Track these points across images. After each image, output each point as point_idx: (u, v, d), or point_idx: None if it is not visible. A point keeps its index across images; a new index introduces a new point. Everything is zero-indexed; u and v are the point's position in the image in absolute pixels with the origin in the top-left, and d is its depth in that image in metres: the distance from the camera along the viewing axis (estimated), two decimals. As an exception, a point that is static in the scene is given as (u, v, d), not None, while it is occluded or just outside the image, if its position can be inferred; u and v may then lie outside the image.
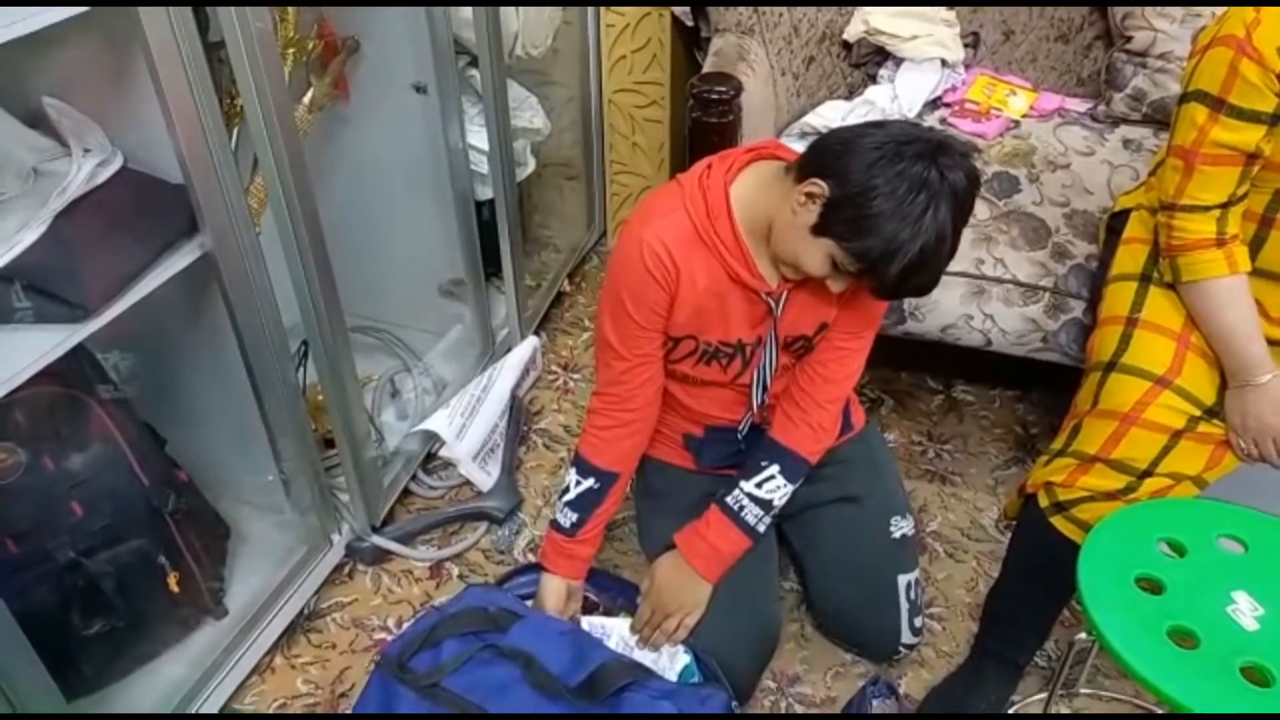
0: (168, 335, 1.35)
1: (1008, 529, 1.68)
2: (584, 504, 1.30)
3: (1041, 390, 2.01)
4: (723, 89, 1.57)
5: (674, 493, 1.41)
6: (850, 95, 2.00)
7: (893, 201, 1.00)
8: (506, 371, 1.89)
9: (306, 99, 1.58)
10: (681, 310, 1.19)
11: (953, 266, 1.55)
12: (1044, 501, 1.31)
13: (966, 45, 1.99)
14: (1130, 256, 1.36)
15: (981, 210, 1.66)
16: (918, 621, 1.42)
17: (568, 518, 1.32)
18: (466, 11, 1.62)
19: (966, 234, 1.58)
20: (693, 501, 1.37)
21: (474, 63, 1.71)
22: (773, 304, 1.20)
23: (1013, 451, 1.90)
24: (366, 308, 2.09)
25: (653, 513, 1.44)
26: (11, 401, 1.15)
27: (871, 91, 1.93)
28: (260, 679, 1.47)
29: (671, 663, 1.32)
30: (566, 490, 1.32)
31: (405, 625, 1.55)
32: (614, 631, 1.35)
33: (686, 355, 1.26)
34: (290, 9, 1.55)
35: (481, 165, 1.81)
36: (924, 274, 1.06)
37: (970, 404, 2.02)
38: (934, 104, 1.95)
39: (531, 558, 1.68)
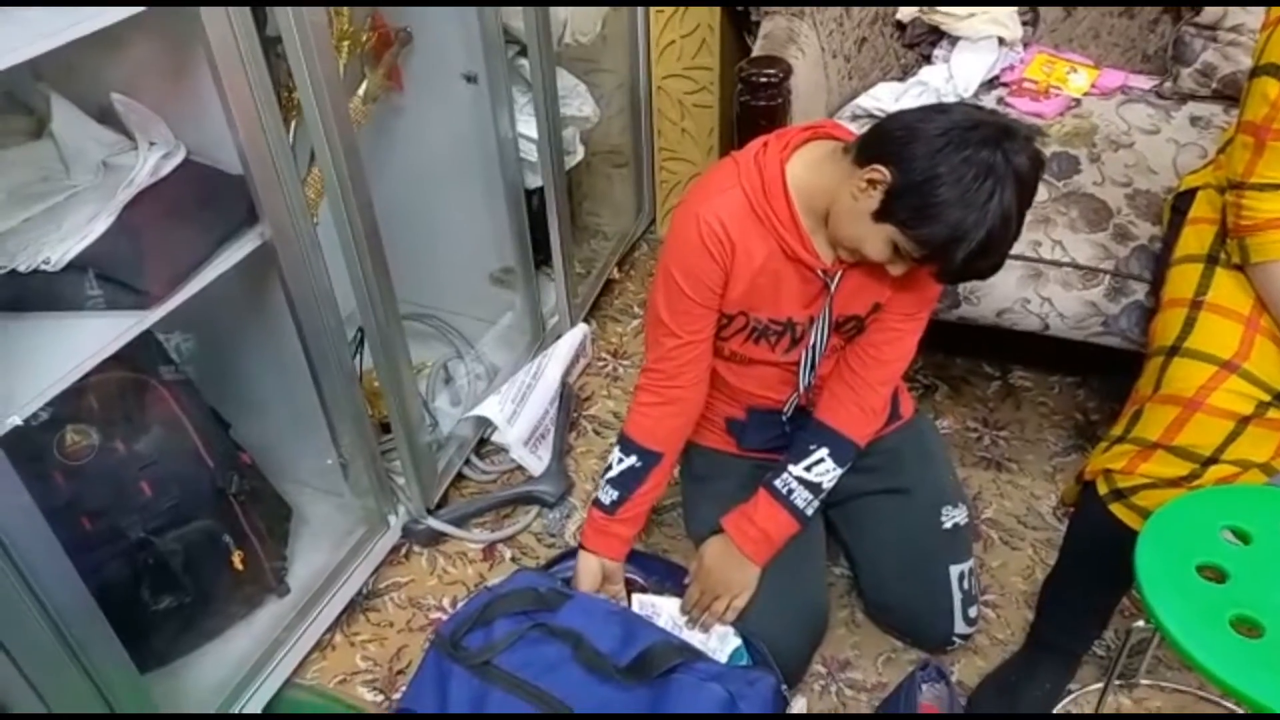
0: (230, 322, 1.40)
1: (1065, 516, 1.65)
2: (625, 482, 1.30)
3: (1102, 376, 1.96)
4: (771, 72, 1.56)
5: (718, 477, 1.41)
6: (904, 76, 1.97)
7: (958, 188, 0.99)
8: (556, 358, 1.91)
9: (361, 91, 1.61)
10: (736, 287, 1.19)
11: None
12: (1103, 489, 1.28)
13: (1025, 23, 1.95)
14: (1196, 237, 1.32)
15: (1040, 192, 1.61)
16: (972, 611, 1.40)
17: (608, 495, 1.32)
18: (517, 0, 1.63)
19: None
20: (737, 486, 1.37)
21: (523, 52, 1.72)
22: (828, 282, 1.19)
23: (1072, 438, 1.86)
24: (420, 295, 2.14)
25: (698, 497, 1.45)
26: (84, 386, 1.20)
27: (925, 72, 1.90)
28: (321, 655, 1.51)
29: (721, 645, 1.33)
30: (609, 468, 1.32)
31: (459, 604, 1.58)
32: (664, 610, 1.36)
33: (737, 332, 1.26)
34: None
35: (531, 154, 1.82)
36: (988, 258, 1.05)
37: (1028, 390, 1.98)
38: (990, 84, 1.91)
39: (582, 541, 1.70)
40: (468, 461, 1.82)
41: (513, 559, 1.68)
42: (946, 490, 1.42)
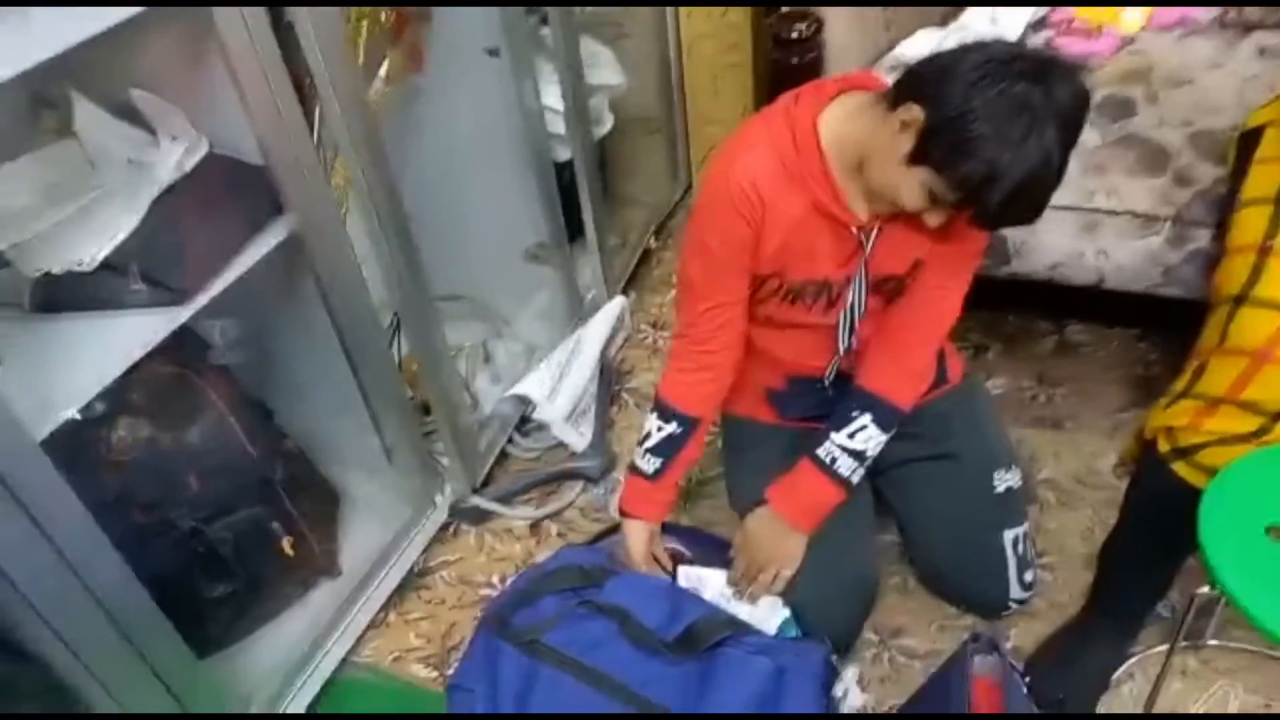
0: (267, 310, 1.40)
1: (1126, 475, 1.58)
2: (668, 449, 1.28)
3: (1163, 328, 1.87)
4: (802, 26, 1.51)
5: (760, 447, 1.39)
6: (945, 23, 1.89)
7: (993, 124, 0.94)
8: (594, 333, 1.89)
9: (383, 72, 1.59)
10: (768, 247, 1.15)
11: (1060, 199, 1.45)
12: (1164, 447, 1.23)
13: (1072, -43, 1.84)
14: (1265, 177, 1.24)
15: (1091, 137, 1.54)
16: (1028, 576, 1.36)
17: (651, 464, 1.30)
18: (535, -32, 1.59)
19: (1074, 164, 1.48)
20: (781, 455, 1.34)
21: (545, 20, 1.68)
22: (862, 239, 1.15)
23: (1132, 393, 1.78)
24: (455, 277, 2.12)
25: (740, 470, 1.42)
26: (129, 381, 1.22)
27: (968, 14, 1.81)
28: (376, 633, 1.54)
29: (770, 616, 1.31)
30: (648, 436, 1.29)
31: (508, 581, 1.59)
32: (710, 584, 1.35)
33: (772, 294, 1.23)
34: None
35: (558, 126, 1.79)
36: (1028, 201, 0.99)
37: (1085, 345, 1.91)
38: (1038, 25, 1.81)
39: (628, 515, 1.69)
40: (510, 439, 1.83)
41: (559, 535, 1.68)
42: (997, 453, 1.37)
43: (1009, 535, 1.34)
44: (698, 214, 1.19)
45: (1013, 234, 1.52)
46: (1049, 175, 0.97)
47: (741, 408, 1.40)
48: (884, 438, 1.27)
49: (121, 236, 1.11)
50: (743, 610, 1.31)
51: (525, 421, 1.87)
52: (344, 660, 1.47)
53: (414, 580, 1.61)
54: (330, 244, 1.25)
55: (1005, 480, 1.35)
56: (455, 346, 1.96)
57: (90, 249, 1.11)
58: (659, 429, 1.29)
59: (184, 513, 1.22)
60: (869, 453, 1.27)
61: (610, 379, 1.94)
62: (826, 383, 1.32)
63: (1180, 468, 1.20)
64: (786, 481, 1.30)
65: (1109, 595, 1.38)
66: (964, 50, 1.00)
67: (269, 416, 1.46)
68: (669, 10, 2.15)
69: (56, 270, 1.09)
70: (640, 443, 1.32)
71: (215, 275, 1.13)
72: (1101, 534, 1.52)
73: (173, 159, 1.16)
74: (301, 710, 1.38)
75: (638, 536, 1.33)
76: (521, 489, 1.74)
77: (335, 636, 1.46)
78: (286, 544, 1.34)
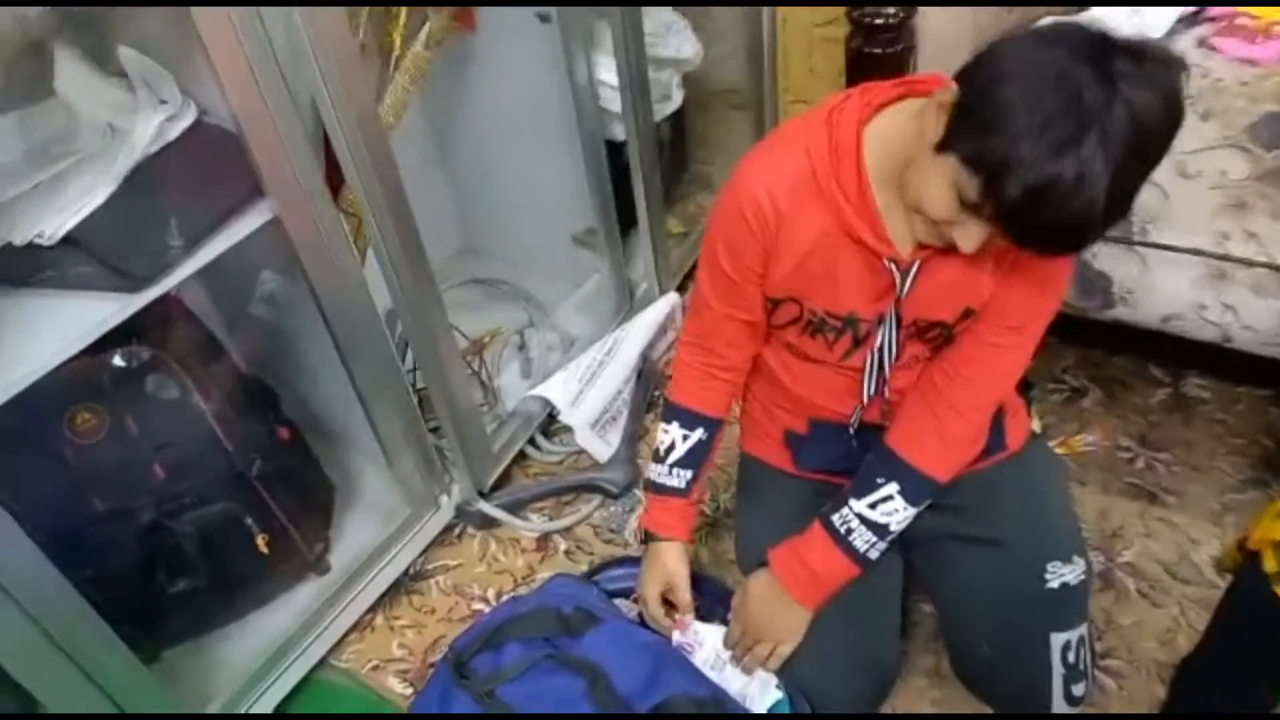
0: (263, 287, 1.31)
1: (1227, 576, 1.33)
2: (695, 458, 1.16)
3: (1306, 393, 1.58)
4: (890, 12, 1.28)
5: (772, 496, 1.22)
6: (1078, 11, 1.60)
7: (1029, 100, 0.74)
8: (636, 333, 1.74)
9: (423, 34, 1.46)
10: (779, 267, 0.99)
11: (1185, 241, 1.22)
12: (1272, 565, 0.99)
13: (1248, -62, 1.52)
14: None
15: (1235, 165, 1.27)
16: (1078, 689, 1.14)
17: (681, 478, 1.16)
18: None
19: (1207, 198, 1.23)
20: (798, 509, 1.16)
21: (604, -15, 1.51)
22: (897, 275, 0.96)
23: (1253, 470, 1.51)
24: (498, 252, 2.02)
25: (750, 517, 1.25)
26: (99, 364, 1.16)
27: (1103, 8, 1.53)
28: (360, 636, 1.46)
29: (762, 694, 1.15)
30: (671, 448, 1.15)
31: (502, 599, 1.49)
32: (707, 641, 1.20)
33: (790, 322, 1.05)
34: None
35: (615, 103, 1.62)
36: (1056, 215, 0.77)
37: (1203, 403, 1.63)
38: (1191, 20, 1.51)
39: (643, 540, 1.55)
40: (533, 440, 1.70)
41: (566, 553, 1.56)
42: (1056, 543, 1.13)
43: (1058, 640, 1.12)
44: (713, 215, 1.04)
45: (1120, 275, 1.28)
46: (1081, 194, 0.75)
47: (759, 449, 1.23)
48: (912, 513, 1.07)
49: (86, 211, 1.03)
50: (735, 682, 1.16)
51: (553, 420, 1.75)
52: (323, 661, 1.40)
53: (408, 582, 1.52)
54: (317, 232, 1.14)
55: (1061, 575, 1.13)
56: (489, 331, 1.85)
57: (55, 221, 1.03)
58: (684, 438, 1.15)
59: (146, 504, 1.16)
60: (892, 528, 1.08)
61: (650, 383, 1.78)
62: (851, 431, 1.13)
63: (1289, 597, 0.97)
64: (793, 546, 1.12)
65: (1181, 725, 1.16)
66: (1034, 31, 0.80)
67: (270, 400, 1.39)
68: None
69: (18, 242, 1.02)
70: (661, 458, 1.17)
71: (178, 262, 1.04)
72: (1185, 642, 1.29)
73: (152, 127, 1.07)
74: (268, 710, 1.32)
75: (676, 559, 1.18)
76: (534, 497, 1.62)
77: (315, 635, 1.39)
78: (262, 541, 1.26)
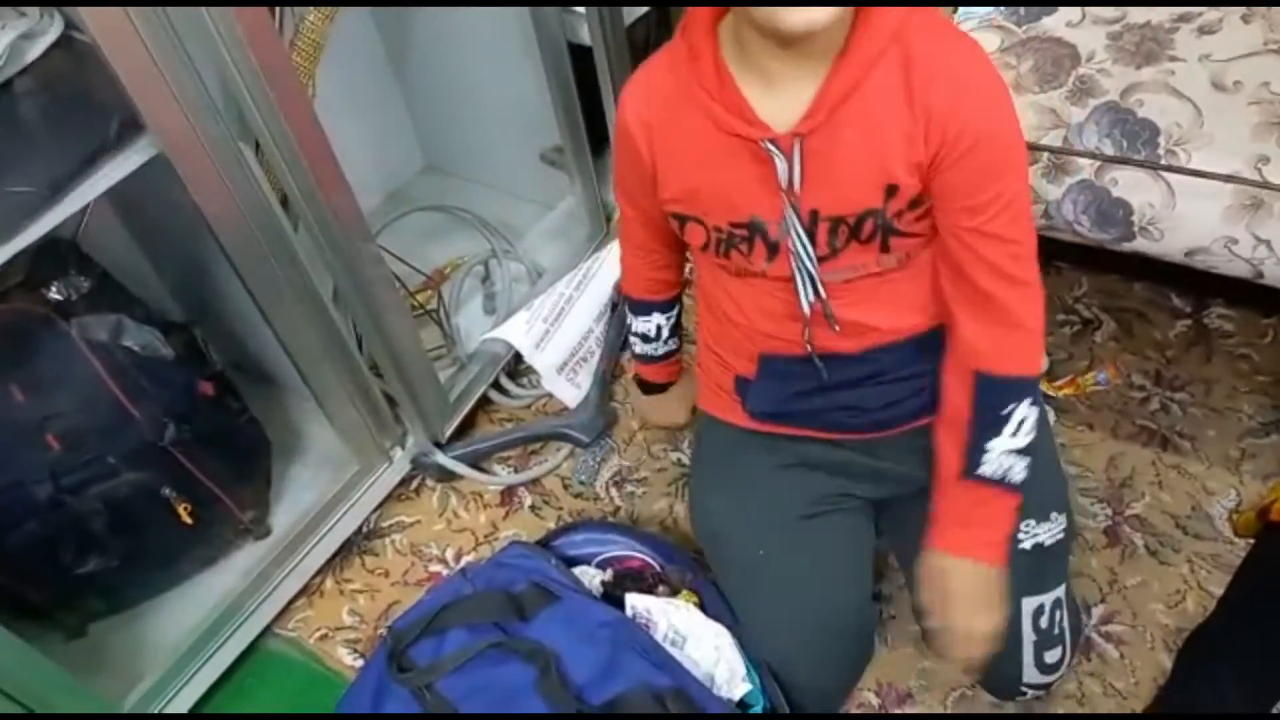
0: (173, 218, 1.16)
1: (1245, 536, 1.22)
2: (677, 327, 1.20)
3: (1341, 326, 1.44)
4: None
5: (725, 458, 1.11)
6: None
7: None
8: (609, 264, 1.59)
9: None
10: (670, 184, 0.92)
11: (1218, 165, 1.05)
12: (1299, 541, 0.88)
13: None
14: None
15: (1273, 70, 1.09)
16: (1051, 656, 1.03)
17: (666, 345, 1.21)
18: None
19: (1247, 115, 1.06)
20: (756, 471, 1.07)
21: None
22: (779, 158, 0.83)
23: (1276, 412, 1.38)
24: (462, 172, 1.86)
25: (705, 487, 1.14)
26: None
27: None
28: (308, 602, 1.37)
29: (730, 682, 1.05)
30: (659, 331, 1.18)
31: (462, 561, 1.39)
32: (660, 619, 1.10)
33: (703, 245, 0.95)
34: None
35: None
36: None
37: (1227, 336, 1.48)
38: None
39: (614, 494, 1.45)
40: (497, 382, 1.58)
41: (532, 508, 1.45)
42: (1030, 497, 0.97)
43: (1029, 605, 1.01)
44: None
45: (1140, 203, 1.12)
46: None
47: (713, 402, 1.12)
48: (1038, 411, 0.92)
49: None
50: (700, 659, 1.06)
51: (521, 359, 1.61)
52: (267, 629, 1.32)
53: (361, 541, 1.43)
54: (208, 168, 0.98)
55: (1035, 535, 1.01)
56: (450, 263, 1.70)
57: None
58: (656, 328, 1.18)
59: (42, 479, 1.04)
60: (1032, 441, 0.92)
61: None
62: (813, 355, 0.97)
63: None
64: (964, 523, 0.94)
65: (1184, 702, 1.06)
66: None
67: (192, 352, 1.25)
68: None
69: None
70: (651, 339, 1.19)
71: (38, 212, 0.89)
72: (1194, 606, 1.19)
73: (1, 46, 0.90)
74: (206, 686, 1.24)
75: (680, 401, 1.27)
76: (496, 447, 1.51)
77: (258, 603, 1.29)
78: (184, 511, 1.16)
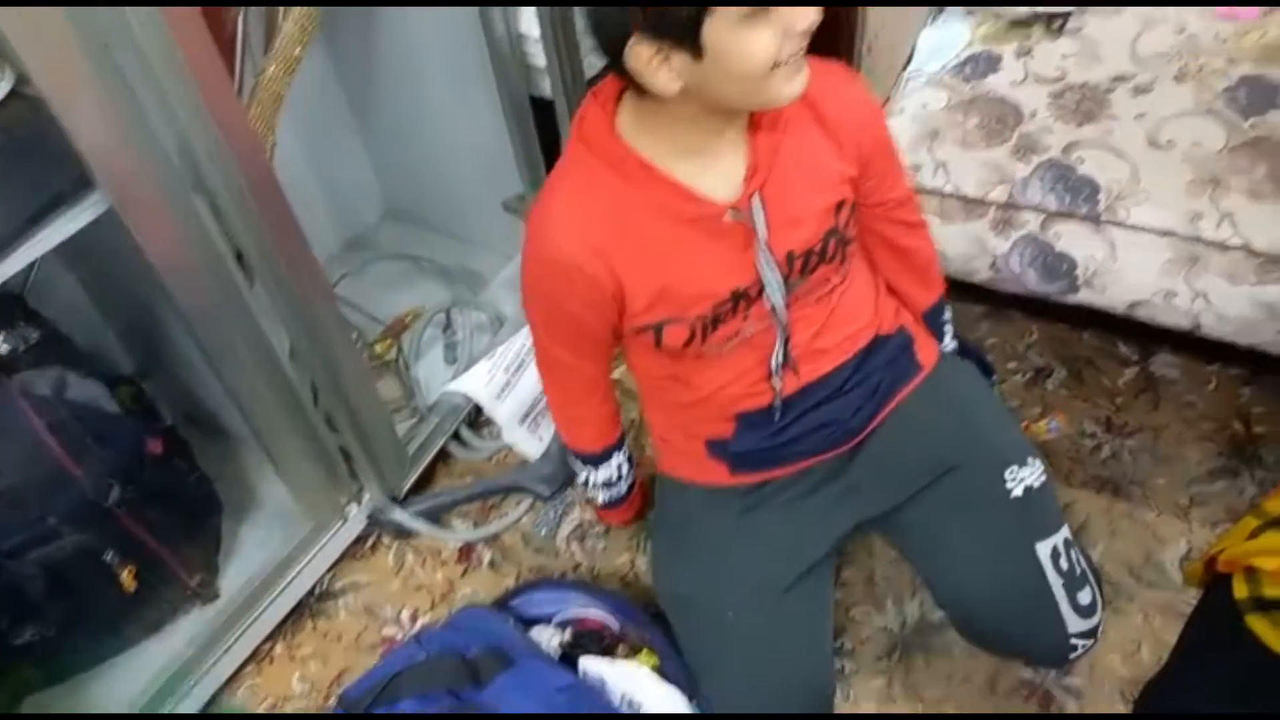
0: (125, 270, 1.13)
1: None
2: (628, 472, 1.17)
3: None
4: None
5: (702, 521, 1.09)
6: None
7: None
8: (569, 314, 1.59)
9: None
10: (638, 296, 0.91)
11: (1155, 220, 1.09)
12: (1241, 591, 0.90)
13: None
14: None
15: (1212, 135, 1.14)
16: (1083, 597, 1.02)
17: (618, 490, 1.17)
18: None
19: (1180, 172, 1.10)
20: (728, 532, 1.05)
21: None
22: (745, 220, 0.88)
23: (1223, 458, 1.41)
24: (424, 220, 1.87)
25: (672, 550, 1.12)
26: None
27: None
28: (257, 668, 1.33)
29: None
30: (619, 475, 1.15)
31: (418, 623, 1.36)
32: (616, 683, 1.08)
33: (686, 342, 0.95)
34: None
35: (539, 57, 1.45)
36: None
37: (1173, 384, 1.52)
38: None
39: (576, 549, 1.43)
40: (457, 433, 1.56)
41: (491, 564, 1.43)
42: (1005, 447, 1.04)
43: (1044, 549, 1.01)
44: (529, 285, 0.96)
45: (1083, 257, 1.15)
46: None
47: (676, 468, 1.11)
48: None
49: None
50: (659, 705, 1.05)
51: (481, 410, 1.60)
52: (214, 698, 1.27)
53: (313, 604, 1.39)
54: (168, 219, 0.97)
55: (1022, 479, 1.02)
56: (410, 312, 1.70)
57: None
58: (619, 470, 1.15)
59: (-22, 543, 1.00)
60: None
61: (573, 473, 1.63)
62: (777, 403, 1.01)
63: (1258, 625, 0.87)
64: None
65: (1145, 753, 1.06)
66: None
67: (140, 406, 1.23)
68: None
69: None
70: (608, 486, 1.16)
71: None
72: (1150, 656, 1.20)
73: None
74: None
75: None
76: (454, 503, 1.48)
77: (203, 672, 1.24)
78: (127, 575, 1.12)
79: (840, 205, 0.93)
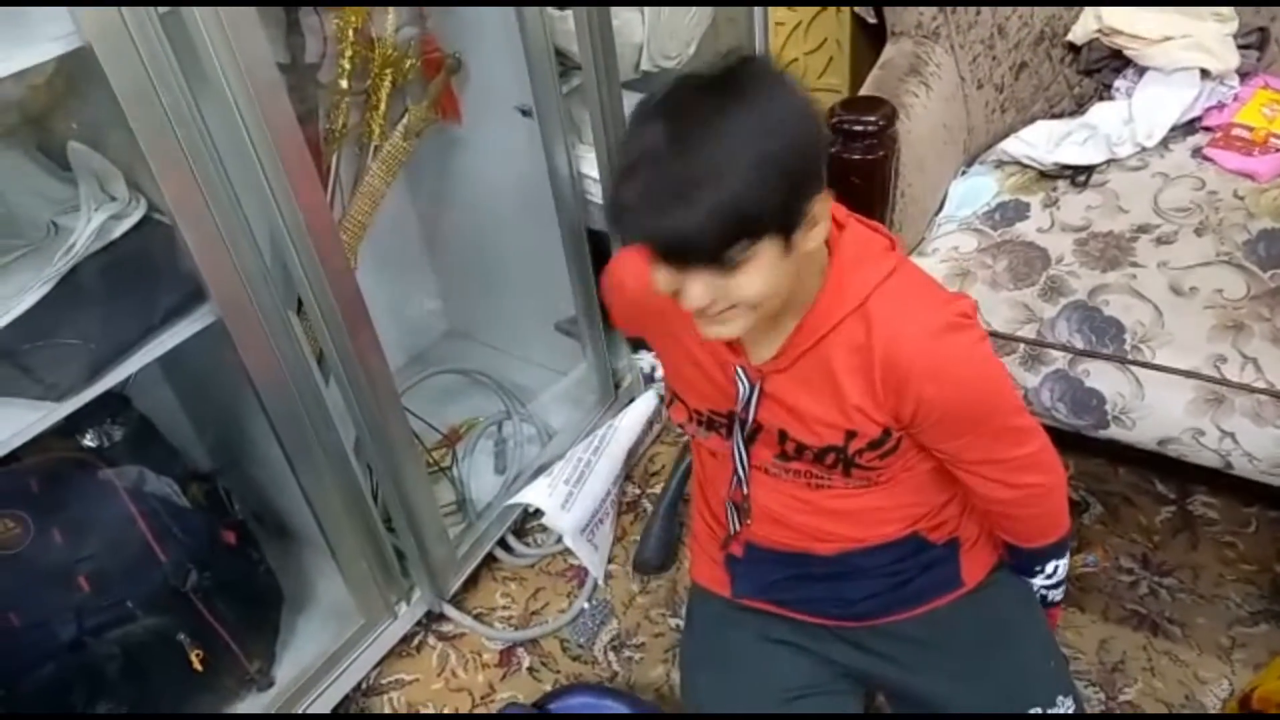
0: (213, 373, 1.25)
1: (1237, 725, 1.23)
2: None
3: (1321, 517, 1.49)
4: (870, 119, 1.23)
5: (715, 633, 1.11)
6: (1077, 110, 1.57)
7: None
8: (624, 430, 1.66)
9: (402, 125, 1.45)
10: (662, 358, 1.00)
11: (1180, 361, 1.14)
12: (1281, 733, 0.90)
13: (1245, 46, 1.49)
14: None
15: (1232, 284, 1.21)
16: None
17: None
18: (572, 21, 1.40)
19: (1200, 319, 1.16)
20: (737, 648, 1.07)
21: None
22: (740, 382, 0.91)
23: (1264, 601, 1.41)
24: (483, 338, 1.99)
25: (692, 657, 1.14)
26: (26, 469, 1.10)
27: (1096, 112, 1.50)
28: (300, 759, 1.37)
29: None
30: None
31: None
32: None
33: (683, 422, 1.01)
34: (390, 26, 1.42)
35: (596, 194, 1.59)
36: (636, 182, 0.73)
37: (1212, 524, 1.53)
38: (1188, 127, 1.48)
39: (612, 658, 1.47)
40: (503, 541, 1.62)
41: (530, 670, 1.47)
42: (1034, 682, 1.02)
43: None
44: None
45: (1112, 394, 1.20)
46: (661, 149, 0.72)
47: (704, 573, 1.15)
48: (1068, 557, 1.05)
49: (14, 314, 0.98)
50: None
51: (527, 517, 1.67)
52: (258, 787, 1.31)
53: (359, 699, 1.44)
54: (264, 334, 1.09)
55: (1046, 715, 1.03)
56: (464, 423, 1.79)
57: (-17, 323, 0.99)
58: None
59: (69, 619, 1.08)
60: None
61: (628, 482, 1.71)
62: (731, 531, 1.05)
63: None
64: None
65: None
66: None
67: (216, 501, 1.32)
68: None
69: (-56, 343, 0.98)
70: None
71: (107, 369, 0.99)
72: (1191, 800, 1.18)
73: (93, 226, 1.03)
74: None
75: None
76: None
77: (251, 759, 1.30)
78: (196, 658, 1.18)
79: (851, 434, 0.88)
